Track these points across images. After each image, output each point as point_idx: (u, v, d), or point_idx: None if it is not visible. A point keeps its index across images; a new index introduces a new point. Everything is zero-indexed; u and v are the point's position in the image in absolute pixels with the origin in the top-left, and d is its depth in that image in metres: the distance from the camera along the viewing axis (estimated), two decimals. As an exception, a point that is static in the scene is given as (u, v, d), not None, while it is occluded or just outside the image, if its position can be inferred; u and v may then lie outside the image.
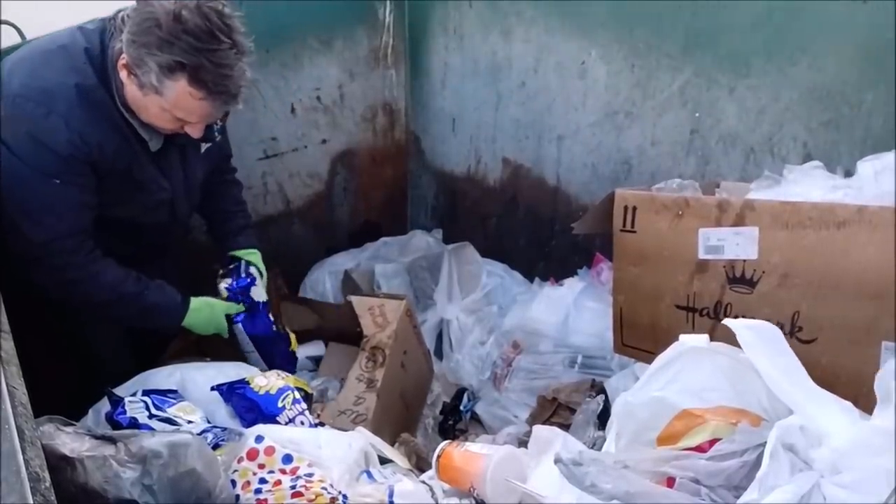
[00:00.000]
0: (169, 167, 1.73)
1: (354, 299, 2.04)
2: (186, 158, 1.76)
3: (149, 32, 1.44)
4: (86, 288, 1.67)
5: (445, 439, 1.75)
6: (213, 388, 1.63)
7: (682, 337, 1.24)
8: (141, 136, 1.62)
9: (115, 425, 1.46)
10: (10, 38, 1.87)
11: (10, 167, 1.53)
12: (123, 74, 1.52)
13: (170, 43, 1.43)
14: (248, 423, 1.56)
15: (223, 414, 1.62)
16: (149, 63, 1.46)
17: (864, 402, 1.17)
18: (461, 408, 2.28)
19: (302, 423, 1.60)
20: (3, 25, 1.85)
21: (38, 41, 1.63)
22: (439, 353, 2.45)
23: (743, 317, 1.39)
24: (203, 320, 1.84)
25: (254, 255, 1.99)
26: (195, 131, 1.60)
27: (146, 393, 1.55)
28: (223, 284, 1.89)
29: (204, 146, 1.77)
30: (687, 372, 1.22)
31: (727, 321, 1.15)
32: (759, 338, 1.12)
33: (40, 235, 1.59)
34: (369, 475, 1.46)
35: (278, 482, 1.35)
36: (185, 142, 1.69)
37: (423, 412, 2.19)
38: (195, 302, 1.83)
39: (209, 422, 1.55)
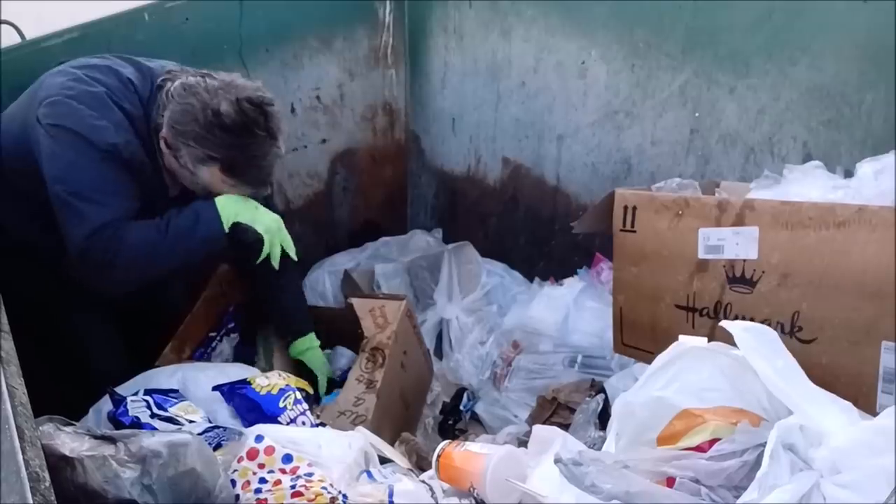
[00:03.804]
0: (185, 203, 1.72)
1: (356, 301, 2.03)
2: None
3: (187, 123, 1.51)
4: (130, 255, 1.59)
5: (445, 439, 1.75)
6: (214, 388, 1.63)
7: (682, 338, 1.25)
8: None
9: (118, 424, 1.46)
10: (9, 38, 1.87)
11: (59, 161, 1.53)
12: (162, 144, 1.59)
13: (205, 138, 1.51)
14: (250, 424, 1.55)
15: (224, 414, 1.62)
16: (183, 150, 1.53)
17: (864, 402, 1.18)
18: (461, 407, 2.27)
19: (303, 423, 1.60)
20: (3, 25, 1.85)
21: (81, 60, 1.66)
22: (439, 353, 2.45)
23: (743, 317, 1.39)
24: (236, 201, 1.64)
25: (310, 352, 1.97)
26: None
27: (148, 392, 1.55)
28: None
29: None
30: (687, 372, 1.22)
31: (724, 323, 1.15)
32: (756, 340, 1.12)
33: (107, 215, 1.55)
34: (369, 475, 1.46)
35: (278, 482, 1.34)
36: None
37: (423, 412, 2.19)
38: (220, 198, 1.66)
39: (211, 422, 1.55)
